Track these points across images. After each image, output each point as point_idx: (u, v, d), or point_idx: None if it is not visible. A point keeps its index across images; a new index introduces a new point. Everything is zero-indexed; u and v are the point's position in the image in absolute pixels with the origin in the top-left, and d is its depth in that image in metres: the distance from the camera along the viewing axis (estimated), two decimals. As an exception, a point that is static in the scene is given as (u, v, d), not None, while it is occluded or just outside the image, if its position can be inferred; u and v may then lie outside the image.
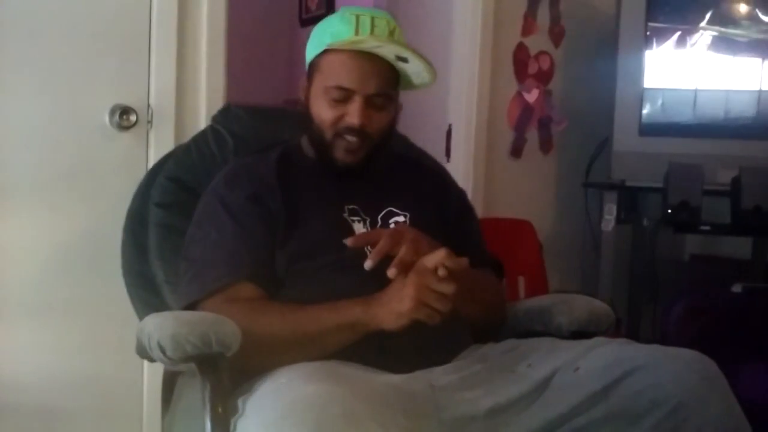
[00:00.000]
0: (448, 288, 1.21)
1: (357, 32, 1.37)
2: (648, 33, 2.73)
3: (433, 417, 1.18)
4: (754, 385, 2.01)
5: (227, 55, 2.05)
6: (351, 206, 1.42)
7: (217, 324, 1.19)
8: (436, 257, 1.22)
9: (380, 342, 1.26)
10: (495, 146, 2.79)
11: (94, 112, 1.88)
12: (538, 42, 2.87)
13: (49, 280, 1.85)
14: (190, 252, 1.41)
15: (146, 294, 1.55)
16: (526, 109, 2.87)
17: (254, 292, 1.34)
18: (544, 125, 2.92)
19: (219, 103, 1.96)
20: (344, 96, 1.38)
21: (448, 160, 2.72)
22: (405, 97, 3.19)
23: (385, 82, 1.41)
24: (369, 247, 1.34)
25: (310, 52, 1.44)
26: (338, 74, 1.38)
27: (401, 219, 1.45)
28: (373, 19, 1.39)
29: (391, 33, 1.40)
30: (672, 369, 1.12)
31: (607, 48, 2.78)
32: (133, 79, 1.92)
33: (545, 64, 2.90)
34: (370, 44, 1.37)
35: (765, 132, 2.70)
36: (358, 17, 1.39)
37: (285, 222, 1.38)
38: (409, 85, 1.49)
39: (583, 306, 1.48)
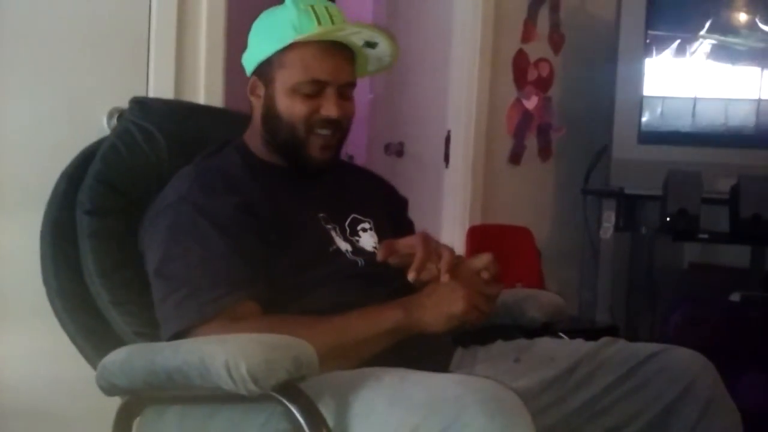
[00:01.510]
0: (495, 290, 1.27)
1: (319, 22, 1.33)
2: (647, 41, 2.73)
3: None
4: (751, 394, 2.01)
5: (226, 58, 2.04)
6: (321, 214, 1.39)
7: (301, 346, 1.06)
8: (483, 261, 1.28)
9: (388, 352, 1.23)
10: (494, 153, 2.79)
11: (92, 115, 1.87)
12: (538, 49, 2.87)
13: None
14: (171, 269, 1.26)
15: (84, 318, 1.36)
16: (525, 116, 2.87)
17: (254, 309, 1.23)
18: (543, 132, 2.92)
19: (217, 105, 1.96)
20: (317, 89, 1.35)
21: (446, 166, 2.72)
22: (404, 102, 3.17)
23: (353, 71, 1.40)
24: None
25: (265, 47, 1.38)
26: (311, 67, 1.34)
27: (366, 225, 1.43)
28: (326, 8, 1.36)
29: (343, 20, 1.38)
30: (681, 354, 1.29)
31: (606, 55, 2.78)
32: (132, 81, 1.91)
33: (545, 71, 2.90)
34: (350, 30, 1.34)
35: (764, 141, 2.70)
36: (312, 7, 1.35)
37: (275, 232, 1.30)
38: (363, 71, 1.46)
39: (549, 300, 1.58)
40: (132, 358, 1.19)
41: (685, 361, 1.28)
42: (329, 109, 1.34)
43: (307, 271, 1.31)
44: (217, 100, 2.00)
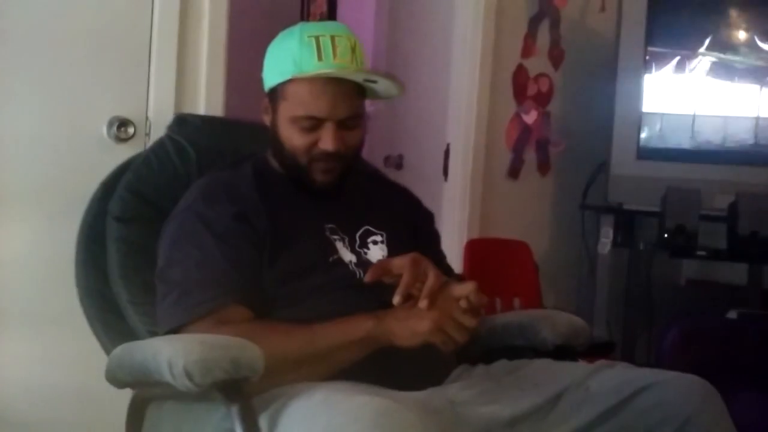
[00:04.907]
0: (470, 321, 1.24)
1: (320, 56, 1.33)
2: (647, 57, 2.74)
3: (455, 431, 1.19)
4: (748, 413, 2.00)
5: (227, 69, 2.05)
6: (330, 225, 1.41)
7: (245, 348, 1.13)
8: (465, 289, 1.25)
9: (376, 363, 1.25)
10: (493, 167, 2.79)
11: (92, 124, 1.87)
12: (538, 64, 2.88)
13: (43, 291, 1.83)
14: (169, 273, 1.34)
15: (107, 316, 1.47)
16: (525, 131, 2.88)
17: (244, 314, 1.29)
18: (542, 147, 2.93)
19: (217, 115, 1.96)
20: (315, 124, 1.36)
21: (445, 180, 2.72)
22: (404, 115, 3.17)
23: (354, 103, 1.39)
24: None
25: (272, 76, 1.40)
26: (307, 104, 1.35)
27: (378, 238, 1.44)
28: (333, 38, 1.35)
29: (353, 50, 1.36)
30: (679, 388, 1.20)
31: (606, 71, 2.79)
32: (132, 91, 1.91)
33: (544, 86, 2.91)
34: (339, 74, 1.34)
35: (762, 158, 2.70)
36: (318, 39, 1.34)
37: (271, 242, 1.35)
38: (376, 96, 1.47)
39: (564, 321, 1.52)
40: (124, 353, 1.28)
41: (682, 395, 1.19)
42: (326, 143, 1.36)
43: (299, 280, 1.34)
44: (217, 111, 2.00)
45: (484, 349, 1.49)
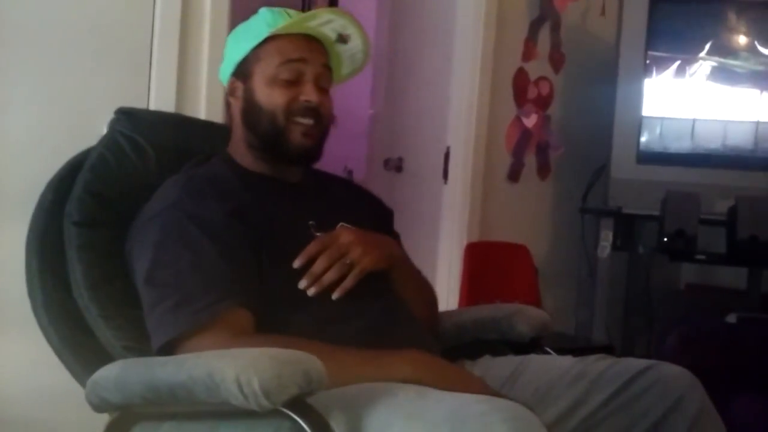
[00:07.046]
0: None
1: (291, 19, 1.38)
2: (647, 62, 2.75)
3: None
4: (748, 416, 2.00)
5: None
6: (311, 221, 1.38)
7: (311, 361, 1.04)
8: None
9: None
10: (493, 170, 2.79)
11: (93, 123, 1.86)
12: (538, 67, 2.89)
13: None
14: (159, 278, 1.23)
15: (71, 331, 1.32)
16: (525, 134, 2.88)
17: (250, 319, 1.20)
18: (542, 150, 2.93)
19: (218, 116, 1.96)
20: (296, 74, 1.36)
21: (445, 182, 2.72)
22: (404, 118, 3.17)
23: (328, 60, 1.43)
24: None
25: (241, 48, 1.40)
26: (286, 51, 1.36)
27: None
28: (299, 13, 1.41)
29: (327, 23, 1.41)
30: (670, 370, 1.29)
31: (606, 75, 2.79)
32: (133, 90, 1.91)
33: (545, 90, 2.91)
34: (323, 18, 1.37)
35: (762, 163, 2.71)
36: (287, 12, 1.39)
37: (268, 241, 1.29)
38: (338, 77, 1.48)
39: (536, 315, 1.57)
40: (128, 372, 1.16)
41: (674, 377, 1.28)
42: (308, 93, 1.36)
43: (298, 280, 1.30)
44: (217, 111, 2.00)
45: (452, 343, 1.49)
